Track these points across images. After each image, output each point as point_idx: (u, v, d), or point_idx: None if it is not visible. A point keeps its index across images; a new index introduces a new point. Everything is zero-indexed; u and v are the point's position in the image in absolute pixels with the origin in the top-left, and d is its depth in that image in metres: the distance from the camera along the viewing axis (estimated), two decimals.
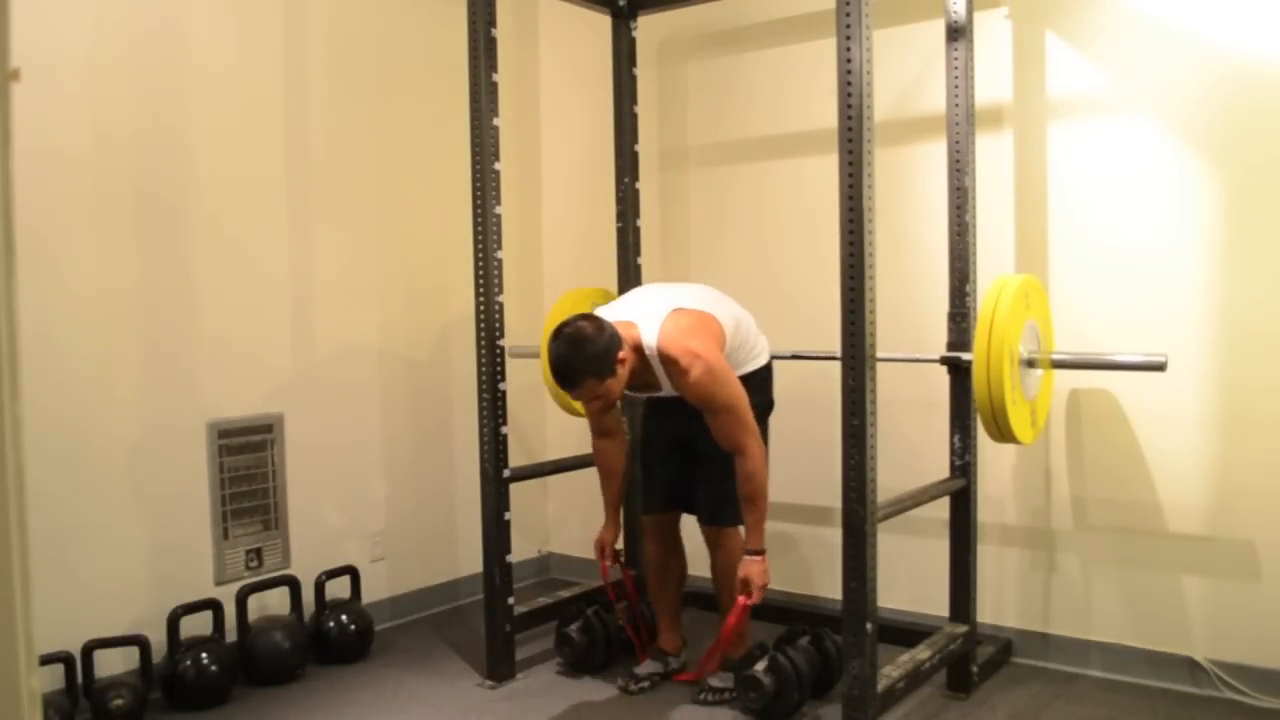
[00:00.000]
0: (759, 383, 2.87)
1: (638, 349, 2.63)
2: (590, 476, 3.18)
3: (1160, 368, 2.60)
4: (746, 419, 2.63)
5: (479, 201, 2.97)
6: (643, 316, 2.67)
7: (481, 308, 2.99)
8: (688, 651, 3.14)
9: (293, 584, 3.21)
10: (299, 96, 3.36)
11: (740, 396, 2.62)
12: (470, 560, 3.76)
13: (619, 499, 3.08)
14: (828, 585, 3.47)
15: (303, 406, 3.37)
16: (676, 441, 2.91)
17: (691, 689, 2.93)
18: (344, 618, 3.27)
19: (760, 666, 2.70)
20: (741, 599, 2.67)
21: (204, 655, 2.90)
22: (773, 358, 2.98)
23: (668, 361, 2.61)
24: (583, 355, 2.52)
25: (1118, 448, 2.97)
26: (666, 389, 2.69)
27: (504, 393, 3.03)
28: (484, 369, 3.01)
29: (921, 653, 2.69)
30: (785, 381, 3.04)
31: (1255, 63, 2.71)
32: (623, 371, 2.58)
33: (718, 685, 2.87)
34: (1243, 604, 2.81)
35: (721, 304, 2.83)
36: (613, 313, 2.73)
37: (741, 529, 2.78)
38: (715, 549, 2.91)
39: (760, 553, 2.67)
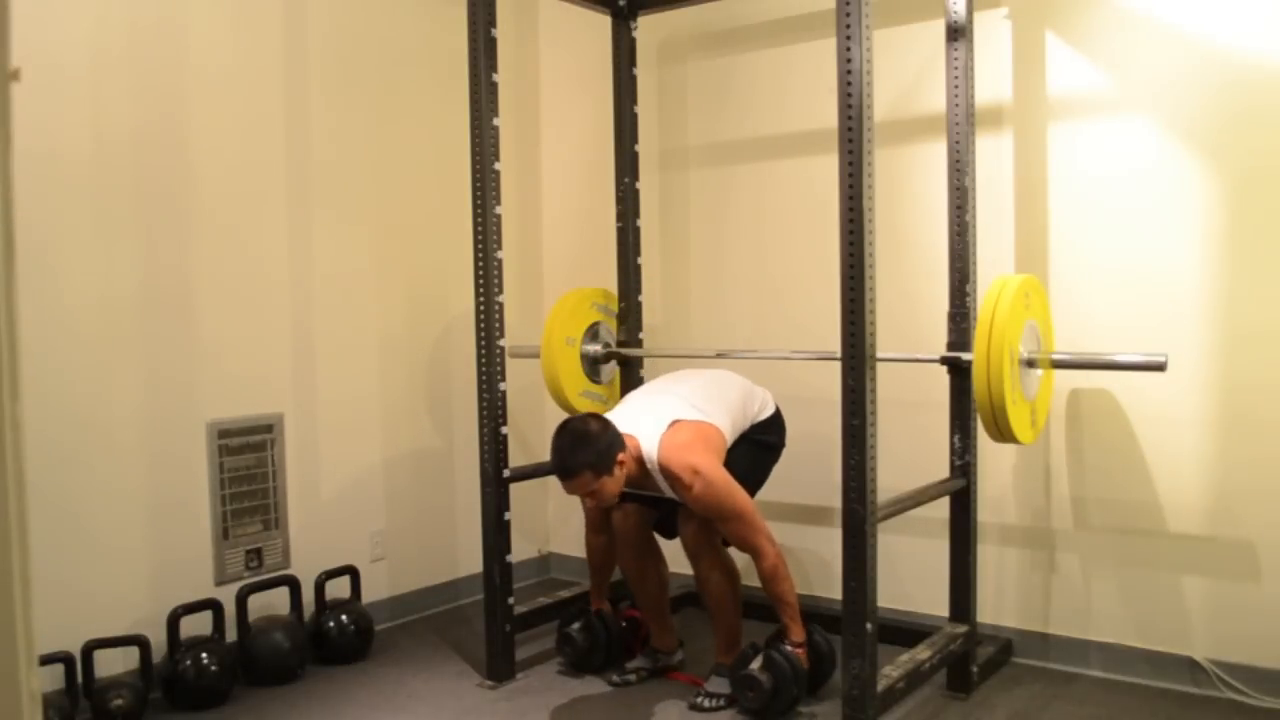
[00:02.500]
0: (768, 429, 2.99)
1: (639, 460, 2.72)
2: None
3: (1160, 368, 2.60)
4: (755, 522, 2.72)
5: (479, 201, 2.97)
6: (642, 430, 2.74)
7: (481, 308, 2.99)
8: (685, 650, 3.15)
9: (293, 584, 3.21)
10: (299, 96, 3.36)
11: (745, 503, 2.72)
12: (470, 560, 3.76)
13: (604, 587, 3.20)
14: (828, 585, 3.48)
15: (303, 406, 3.38)
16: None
17: (689, 690, 2.93)
18: (344, 618, 3.27)
19: (756, 665, 2.70)
20: None
21: (204, 655, 2.90)
22: (774, 357, 3.02)
23: (670, 477, 2.70)
24: (584, 448, 2.62)
25: (1118, 448, 2.97)
26: (668, 493, 2.77)
27: (504, 393, 3.03)
28: (484, 369, 3.00)
29: (921, 653, 2.70)
30: (785, 381, 3.04)
31: (1255, 62, 2.71)
32: (620, 473, 2.67)
33: (715, 691, 2.86)
34: (1243, 604, 2.81)
35: (719, 392, 2.90)
36: (614, 421, 2.78)
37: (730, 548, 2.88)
38: (700, 558, 2.85)
39: (802, 645, 2.75)
